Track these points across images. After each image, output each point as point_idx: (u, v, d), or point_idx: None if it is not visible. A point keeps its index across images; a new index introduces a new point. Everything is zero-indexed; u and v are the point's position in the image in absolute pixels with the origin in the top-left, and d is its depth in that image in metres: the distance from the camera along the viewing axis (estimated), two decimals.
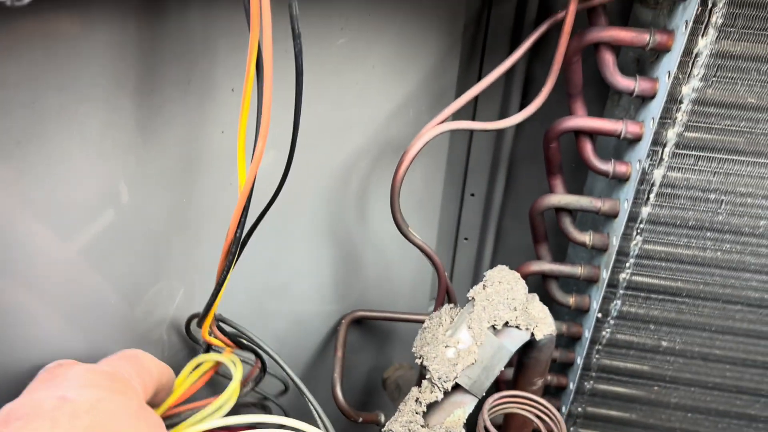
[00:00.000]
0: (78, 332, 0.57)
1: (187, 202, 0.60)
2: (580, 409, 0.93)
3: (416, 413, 0.62)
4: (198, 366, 0.65)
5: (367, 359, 0.94)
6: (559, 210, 0.79)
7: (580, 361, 0.89)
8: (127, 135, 0.52)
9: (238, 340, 0.65)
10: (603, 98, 0.79)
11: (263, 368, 0.68)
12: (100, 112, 0.50)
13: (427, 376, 0.62)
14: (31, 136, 0.47)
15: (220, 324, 0.63)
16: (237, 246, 0.53)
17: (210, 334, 0.61)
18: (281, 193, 0.68)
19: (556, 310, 0.87)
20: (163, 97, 0.53)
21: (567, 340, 0.90)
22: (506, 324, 0.63)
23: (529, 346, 0.71)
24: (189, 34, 0.52)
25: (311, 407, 0.63)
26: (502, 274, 0.65)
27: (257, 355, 0.67)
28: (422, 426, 0.62)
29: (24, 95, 0.45)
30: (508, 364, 0.76)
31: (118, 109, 0.50)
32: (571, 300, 0.85)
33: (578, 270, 0.83)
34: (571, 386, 0.91)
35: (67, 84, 0.47)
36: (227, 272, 0.53)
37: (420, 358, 0.64)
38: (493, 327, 0.63)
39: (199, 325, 0.60)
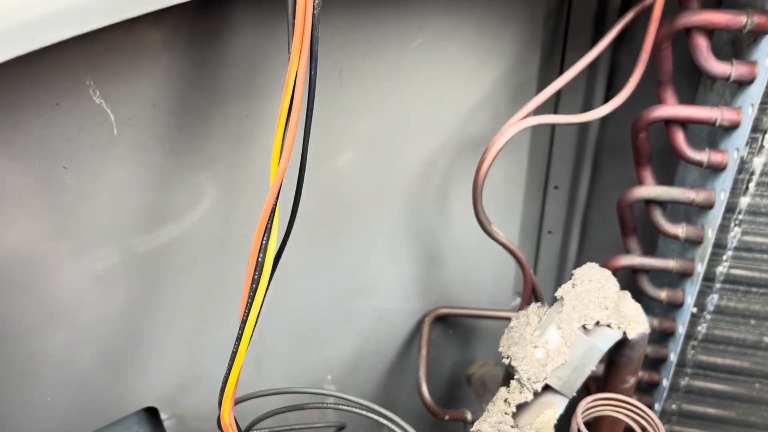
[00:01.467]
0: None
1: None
2: (674, 406, 0.90)
3: (505, 413, 0.61)
4: None
5: (451, 355, 0.93)
6: (650, 202, 0.76)
7: (674, 357, 0.85)
8: (219, 145, 0.54)
9: None
10: (694, 84, 0.75)
11: None
12: (196, 127, 0.52)
13: (515, 377, 0.61)
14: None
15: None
16: (260, 273, 0.44)
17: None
18: (364, 193, 0.69)
19: (647, 304, 0.84)
20: (248, 108, 0.54)
21: (659, 336, 0.87)
22: (597, 323, 0.62)
23: (622, 345, 0.69)
24: (261, 47, 0.53)
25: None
26: (592, 272, 0.63)
27: None
28: (512, 426, 0.61)
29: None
30: (599, 362, 0.74)
31: (210, 121, 0.52)
32: (662, 294, 0.82)
33: (670, 263, 0.79)
34: (665, 383, 0.88)
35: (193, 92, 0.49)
36: (248, 313, 0.44)
37: (507, 358, 0.63)
38: (584, 327, 0.61)
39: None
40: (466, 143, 0.72)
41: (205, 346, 0.66)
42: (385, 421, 0.55)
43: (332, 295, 0.73)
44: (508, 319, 0.87)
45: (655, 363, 0.89)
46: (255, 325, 0.44)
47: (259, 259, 0.43)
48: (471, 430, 0.63)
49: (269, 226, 0.42)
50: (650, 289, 0.83)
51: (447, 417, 0.77)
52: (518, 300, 0.98)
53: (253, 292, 0.43)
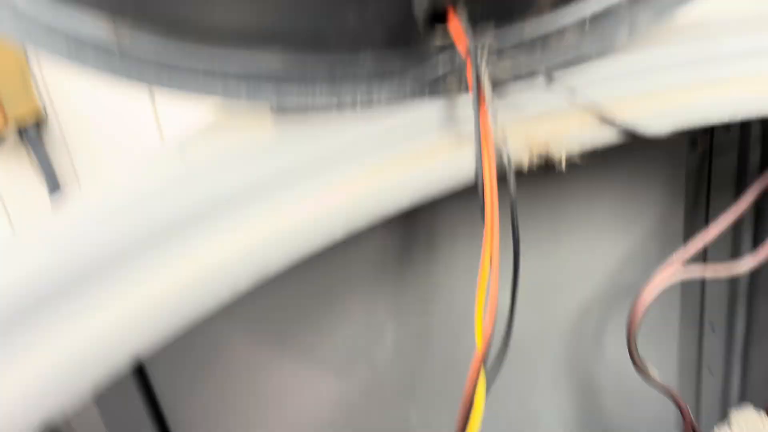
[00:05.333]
0: None
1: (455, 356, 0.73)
2: None
3: None
4: None
5: None
6: None
7: None
8: (409, 299, 0.67)
9: None
10: None
11: None
12: (392, 285, 0.65)
13: None
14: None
15: None
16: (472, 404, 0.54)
17: None
18: (525, 331, 0.78)
19: None
20: (428, 274, 0.67)
21: None
22: None
23: None
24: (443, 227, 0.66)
25: None
26: (748, 416, 0.66)
27: None
28: None
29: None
30: None
31: (404, 279, 0.65)
32: None
33: None
34: None
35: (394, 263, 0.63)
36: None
37: None
38: None
39: None
40: (619, 291, 0.80)
41: None
42: None
43: (499, 426, 0.81)
44: None
45: None
46: None
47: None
48: None
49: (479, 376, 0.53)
50: None
51: None
52: None
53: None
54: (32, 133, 2.31)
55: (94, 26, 0.53)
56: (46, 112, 2.33)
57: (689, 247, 0.74)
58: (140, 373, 0.58)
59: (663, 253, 0.80)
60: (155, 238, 0.46)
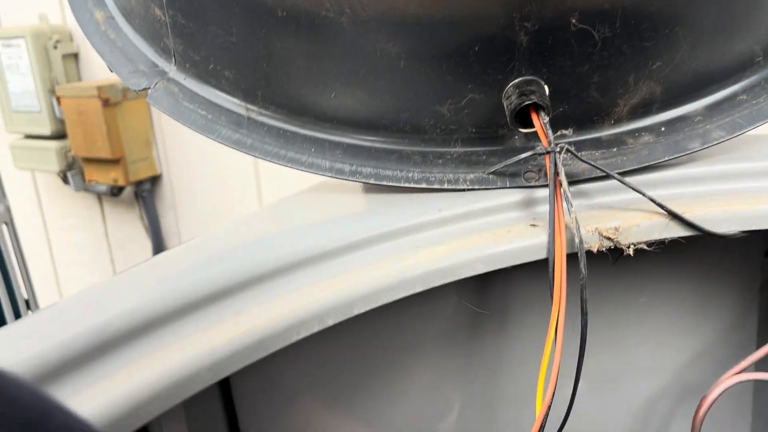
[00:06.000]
0: None
1: None
2: None
3: None
4: None
5: None
6: None
7: None
8: (474, 371, 0.71)
9: None
10: None
11: None
12: (462, 357, 0.69)
13: None
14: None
15: None
16: None
17: None
18: (585, 422, 0.79)
19: None
20: (498, 346, 0.71)
21: None
22: None
23: None
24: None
25: None
26: None
27: None
28: None
29: None
30: None
31: (472, 353, 0.70)
32: None
33: None
34: None
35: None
36: None
37: None
38: None
39: None
40: (686, 390, 0.80)
41: None
42: None
43: None
44: None
45: None
46: None
47: None
48: None
49: None
50: None
51: None
52: None
53: None
54: (146, 190, 2.53)
55: (230, 102, 0.64)
56: (161, 177, 2.55)
57: (760, 351, 0.75)
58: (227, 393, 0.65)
59: (734, 358, 0.81)
60: (246, 281, 0.52)
